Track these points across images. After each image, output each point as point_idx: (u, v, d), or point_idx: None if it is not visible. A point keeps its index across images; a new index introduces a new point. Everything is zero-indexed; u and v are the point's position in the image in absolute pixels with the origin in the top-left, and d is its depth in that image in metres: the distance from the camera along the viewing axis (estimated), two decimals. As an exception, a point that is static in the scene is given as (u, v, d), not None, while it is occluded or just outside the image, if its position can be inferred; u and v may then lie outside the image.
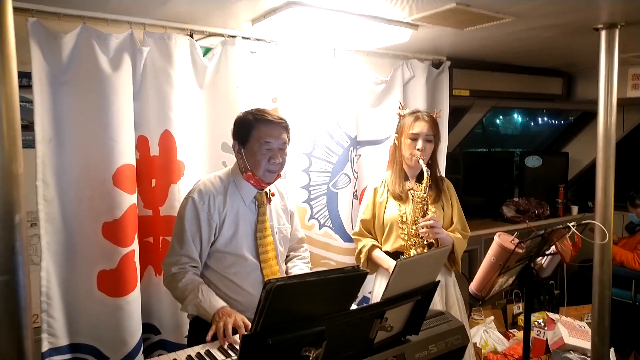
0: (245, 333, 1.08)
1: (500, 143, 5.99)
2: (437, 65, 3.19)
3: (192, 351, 1.55)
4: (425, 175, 2.24)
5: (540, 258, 2.06)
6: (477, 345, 3.40)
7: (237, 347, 1.60)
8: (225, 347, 1.59)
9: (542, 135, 5.87)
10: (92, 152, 2.04)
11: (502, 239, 1.83)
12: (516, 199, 4.70)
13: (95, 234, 2.06)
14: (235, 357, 1.52)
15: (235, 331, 1.67)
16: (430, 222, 2.20)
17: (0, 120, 0.97)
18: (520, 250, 1.79)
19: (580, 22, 2.30)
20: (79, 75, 2.02)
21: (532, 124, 6.06)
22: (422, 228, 2.20)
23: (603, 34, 2.37)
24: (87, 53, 2.02)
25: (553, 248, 2.04)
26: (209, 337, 1.64)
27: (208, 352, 1.54)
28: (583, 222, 2.00)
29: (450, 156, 3.65)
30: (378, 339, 1.39)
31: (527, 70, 3.79)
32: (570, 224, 1.88)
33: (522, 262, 1.93)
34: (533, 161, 4.96)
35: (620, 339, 3.42)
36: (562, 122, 5.44)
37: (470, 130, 4.55)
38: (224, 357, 1.51)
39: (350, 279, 1.18)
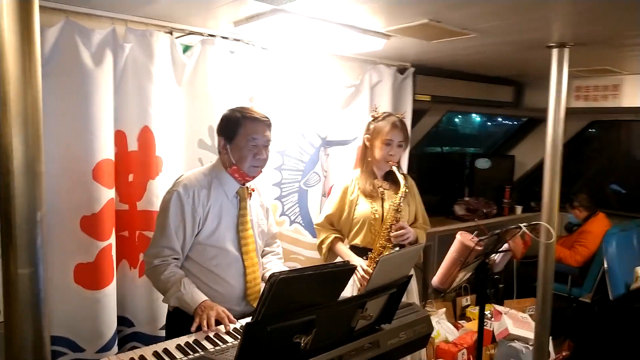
0: (249, 321, 1.18)
1: (458, 142, 6.32)
2: (402, 71, 3.37)
3: (181, 341, 1.62)
4: (402, 187, 2.40)
5: (493, 255, 2.27)
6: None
7: (222, 336, 1.70)
8: (212, 336, 1.68)
9: (498, 134, 6.24)
10: (72, 145, 2.06)
11: (463, 237, 2.01)
12: (467, 199, 4.99)
13: (73, 228, 2.08)
14: (222, 346, 1.62)
15: (217, 322, 1.76)
16: (403, 231, 2.37)
17: (26, 123, 1.02)
18: (479, 248, 1.98)
19: (535, 40, 2.53)
20: (61, 69, 2.03)
21: (489, 123, 6.43)
22: (396, 238, 2.36)
23: (554, 51, 2.62)
24: (69, 47, 2.04)
25: (505, 246, 2.26)
26: (193, 329, 1.71)
27: (197, 342, 1.62)
28: (533, 222, 2.22)
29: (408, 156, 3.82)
30: (358, 327, 1.53)
31: (481, 79, 4.06)
32: (522, 225, 2.09)
33: (479, 258, 2.13)
34: (482, 163, 5.27)
35: (556, 329, 3.76)
36: (515, 122, 5.81)
37: (427, 132, 4.79)
38: (212, 346, 1.60)
39: (341, 273, 1.31)
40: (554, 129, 2.66)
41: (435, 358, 3.48)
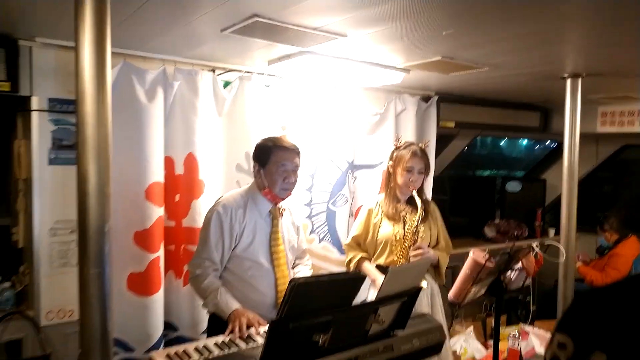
0: (273, 319, 1.41)
1: (492, 165, 6.44)
2: (426, 99, 3.58)
3: (218, 340, 1.86)
4: (419, 210, 2.58)
5: (509, 272, 2.41)
6: (457, 353, 3.73)
7: (253, 339, 1.92)
8: (245, 338, 1.91)
9: (532, 157, 6.31)
10: (128, 170, 2.37)
11: (475, 255, 2.18)
12: (497, 221, 5.07)
13: (127, 241, 2.38)
14: (253, 345, 1.84)
15: (248, 327, 1.98)
16: (420, 251, 2.54)
17: (99, 155, 1.31)
18: (490, 265, 2.14)
19: (548, 72, 2.70)
20: (119, 104, 2.35)
21: (537, 146, 6.51)
22: (414, 257, 2.54)
23: (568, 82, 2.77)
24: (127, 85, 2.37)
25: (520, 264, 2.40)
26: (226, 334, 1.95)
27: (231, 341, 1.85)
28: (546, 243, 2.36)
29: (437, 179, 3.98)
30: (372, 331, 1.72)
31: (507, 105, 4.20)
32: (534, 244, 2.24)
33: (493, 275, 2.28)
34: (514, 186, 5.35)
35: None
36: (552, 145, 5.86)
37: (456, 155, 4.94)
38: (245, 345, 1.83)
39: (352, 281, 1.52)
40: (570, 156, 2.79)
41: (462, 375, 3.58)
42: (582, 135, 4.25)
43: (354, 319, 1.63)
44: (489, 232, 4.96)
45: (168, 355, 1.71)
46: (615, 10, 1.72)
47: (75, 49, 1.34)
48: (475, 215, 5.31)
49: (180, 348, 1.76)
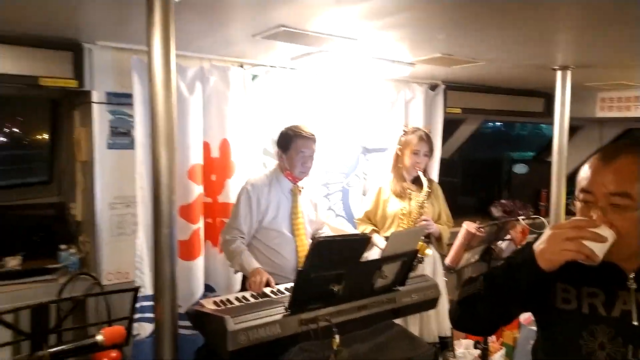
0: (299, 269, 1.81)
1: (503, 147, 6.72)
2: (433, 87, 3.91)
3: (242, 294, 2.28)
4: (425, 187, 2.96)
5: (499, 242, 2.79)
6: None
7: (267, 293, 2.29)
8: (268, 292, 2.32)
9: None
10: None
11: (468, 226, 2.56)
12: (503, 201, 5.38)
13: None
14: (279, 296, 2.25)
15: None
16: (425, 222, 2.92)
17: (168, 143, 1.72)
18: (480, 234, 2.52)
19: (539, 64, 3.02)
20: (165, 97, 2.77)
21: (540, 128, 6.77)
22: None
23: (558, 73, 3.09)
24: (171, 81, 2.77)
25: (509, 235, 2.77)
26: (248, 286, 2.36)
27: (262, 293, 2.26)
28: (532, 216, 2.72)
29: (448, 162, 4.29)
30: (377, 285, 2.12)
31: (512, 91, 4.50)
32: (520, 218, 2.60)
33: (484, 243, 2.66)
34: (520, 168, 5.65)
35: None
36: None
37: (466, 139, 5.27)
38: (273, 295, 2.24)
39: (361, 241, 1.92)
40: (559, 142, 3.12)
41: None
42: (583, 120, 4.54)
43: (362, 273, 2.03)
44: (495, 211, 5.27)
45: (214, 302, 2.13)
46: (599, 12, 1.99)
47: (148, 57, 1.76)
48: (484, 195, 5.64)
49: (223, 297, 2.19)
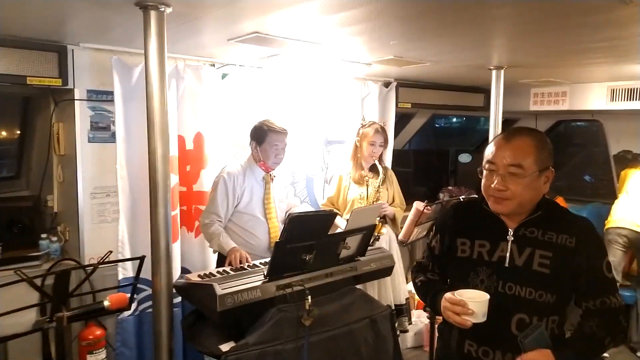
0: (277, 240, 2.13)
1: (450, 140, 7.24)
2: (387, 85, 4.31)
3: (222, 268, 2.56)
4: (380, 175, 3.33)
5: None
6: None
7: (244, 268, 2.58)
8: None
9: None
10: (151, 146, 3.03)
11: (417, 205, 2.95)
12: (450, 187, 5.90)
13: (152, 202, 3.05)
14: (253, 268, 2.55)
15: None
16: (381, 203, 3.30)
17: (162, 133, 2.00)
18: (427, 211, 2.92)
19: (477, 65, 3.46)
20: (142, 95, 2.98)
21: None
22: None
23: (493, 72, 3.54)
24: (148, 79, 3.00)
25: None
26: (227, 262, 2.65)
27: (232, 268, 2.55)
28: (471, 196, 3.15)
29: (402, 153, 4.66)
30: (342, 255, 2.46)
31: (456, 88, 4.98)
32: (461, 197, 3.02)
33: (431, 220, 3.06)
34: (465, 157, 6.18)
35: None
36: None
37: (416, 132, 5.72)
38: (248, 268, 2.54)
39: (328, 216, 2.26)
40: (494, 130, 3.57)
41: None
42: (519, 113, 5.05)
43: (330, 244, 2.37)
44: (443, 197, 5.78)
45: (199, 275, 2.41)
46: (528, 21, 2.34)
47: (145, 61, 2.03)
48: (434, 183, 6.13)
49: (206, 271, 2.47)
